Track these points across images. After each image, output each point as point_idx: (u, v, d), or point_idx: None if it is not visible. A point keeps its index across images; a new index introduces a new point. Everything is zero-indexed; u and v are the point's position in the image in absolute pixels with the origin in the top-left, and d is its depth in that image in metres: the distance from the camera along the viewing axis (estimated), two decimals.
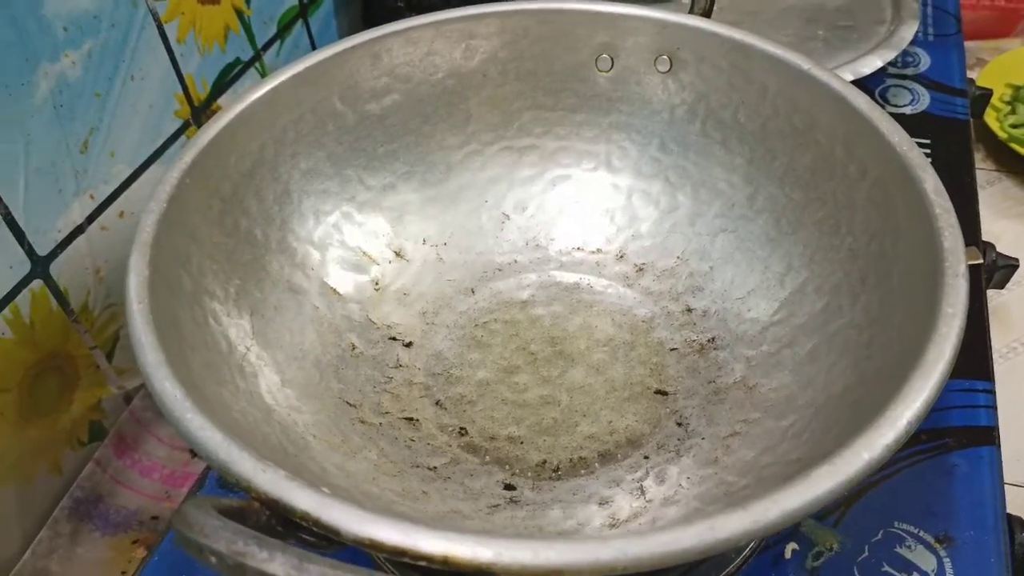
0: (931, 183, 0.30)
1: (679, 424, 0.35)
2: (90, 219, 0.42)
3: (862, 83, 0.51)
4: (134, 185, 0.44)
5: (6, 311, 0.37)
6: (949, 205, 0.29)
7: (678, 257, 0.41)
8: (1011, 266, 0.49)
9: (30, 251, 0.38)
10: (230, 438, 0.23)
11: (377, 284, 0.40)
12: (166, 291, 0.29)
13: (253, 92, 0.36)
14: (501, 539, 0.21)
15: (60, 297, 0.41)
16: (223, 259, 0.34)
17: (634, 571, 0.21)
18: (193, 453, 0.48)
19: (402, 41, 0.41)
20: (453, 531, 0.21)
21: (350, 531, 0.21)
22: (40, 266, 0.39)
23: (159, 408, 0.24)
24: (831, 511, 0.35)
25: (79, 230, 0.41)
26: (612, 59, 0.42)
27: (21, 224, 0.37)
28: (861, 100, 0.34)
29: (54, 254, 0.40)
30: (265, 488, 0.22)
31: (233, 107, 0.35)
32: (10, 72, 0.36)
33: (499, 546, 0.20)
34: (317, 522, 0.21)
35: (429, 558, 0.20)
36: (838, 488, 0.22)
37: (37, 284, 0.39)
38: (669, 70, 0.41)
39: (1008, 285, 0.52)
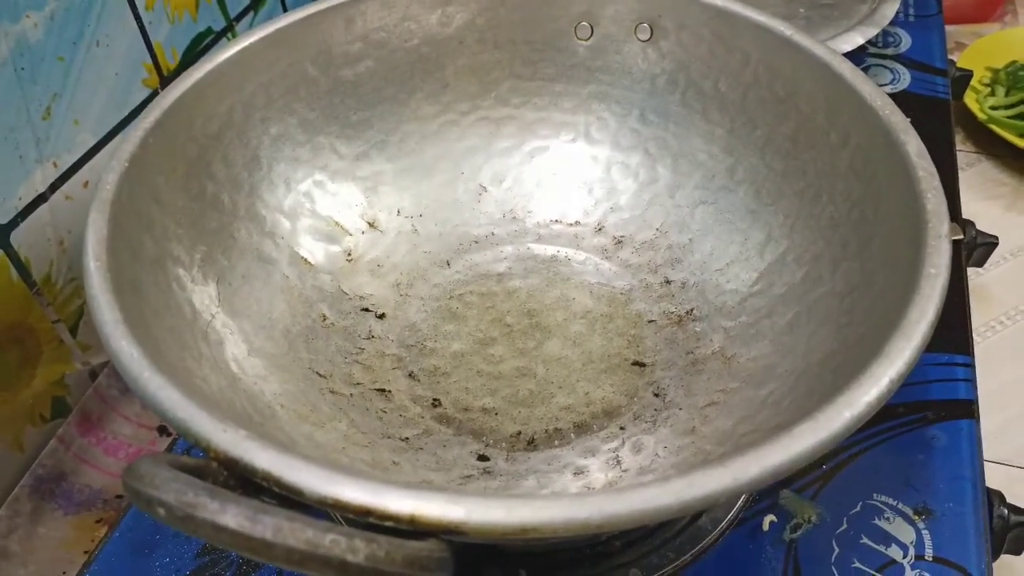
0: (914, 146, 0.29)
1: (656, 395, 0.34)
2: (53, 188, 0.40)
3: None
4: (99, 155, 0.43)
5: None
6: (932, 168, 0.29)
7: (657, 229, 0.40)
8: (990, 244, 0.49)
9: None
10: (188, 396, 0.22)
11: (350, 255, 0.39)
12: (127, 252, 0.28)
13: (222, 52, 0.35)
14: (472, 497, 0.20)
15: (21, 267, 0.39)
16: (188, 224, 0.33)
17: (610, 530, 0.20)
18: (160, 431, 0.47)
19: (377, 5, 0.40)
20: (422, 489, 0.20)
21: (313, 491, 0.20)
22: (0, 234, 0.38)
23: (116, 367, 0.23)
24: (809, 483, 0.35)
25: (41, 198, 0.40)
26: (592, 27, 0.41)
27: None
28: (844, 66, 0.33)
29: (15, 222, 0.38)
30: (224, 447, 0.21)
31: (201, 67, 0.34)
32: None
33: (470, 504, 0.19)
34: (279, 482, 0.20)
35: (396, 518, 0.19)
36: (820, 445, 0.21)
37: None
38: (650, 38, 0.40)
39: (987, 264, 0.51)
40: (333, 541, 0.16)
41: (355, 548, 0.17)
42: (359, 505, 0.19)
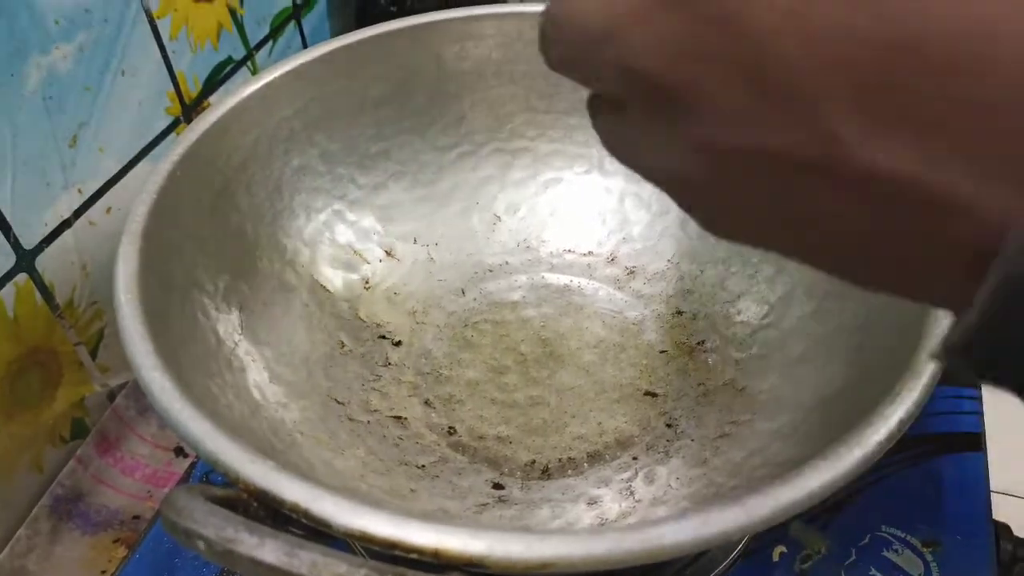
0: None
1: (668, 425, 0.35)
2: (77, 214, 0.41)
3: None
4: (122, 181, 0.44)
5: None
6: None
7: (669, 260, 0.41)
8: None
9: (16, 244, 0.38)
10: (218, 428, 0.23)
11: (367, 283, 0.40)
12: (155, 282, 0.29)
13: (247, 87, 0.36)
14: (493, 531, 0.20)
15: (45, 292, 0.40)
16: (213, 253, 0.34)
17: (627, 565, 0.21)
18: (176, 452, 0.47)
19: (397, 41, 0.41)
20: (445, 524, 0.20)
21: (341, 523, 0.20)
22: (25, 259, 0.38)
23: (148, 398, 0.24)
24: (819, 515, 0.35)
25: (66, 224, 0.41)
26: None
27: (7, 216, 0.37)
28: None
29: (40, 248, 0.39)
30: (254, 479, 0.21)
31: (226, 101, 0.35)
32: (0, 62, 0.35)
33: (491, 538, 0.20)
34: (307, 514, 0.21)
35: (420, 551, 0.20)
36: (831, 484, 0.22)
37: (22, 278, 0.38)
38: None
39: None
40: None
41: None
42: (385, 538, 0.20)
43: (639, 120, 0.17)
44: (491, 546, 0.20)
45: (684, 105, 0.14)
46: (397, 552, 0.20)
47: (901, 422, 0.23)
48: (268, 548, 0.17)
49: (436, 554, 0.20)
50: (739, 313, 0.38)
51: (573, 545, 0.20)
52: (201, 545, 0.17)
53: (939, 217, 0.12)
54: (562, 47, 0.18)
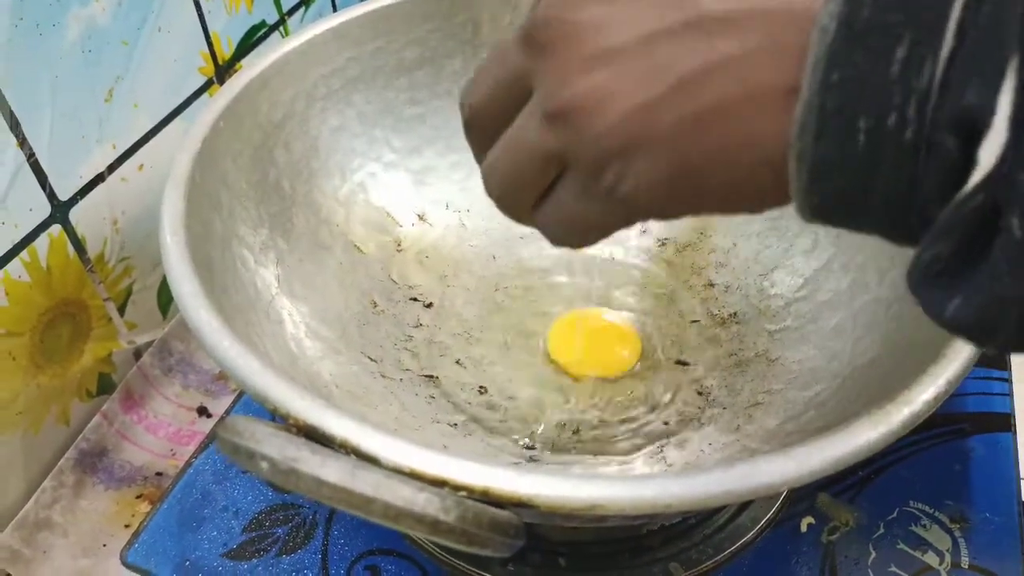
0: None
1: (700, 393, 0.35)
2: (111, 169, 0.41)
3: None
4: (155, 139, 0.44)
5: (24, 254, 0.37)
6: None
7: (701, 232, 0.41)
8: None
9: (51, 195, 0.38)
10: (267, 365, 0.23)
11: (400, 245, 0.40)
12: (199, 229, 0.29)
13: (288, 43, 0.36)
14: (542, 473, 0.20)
15: (78, 244, 0.40)
16: (252, 207, 0.34)
17: (675, 511, 0.21)
18: (200, 412, 0.47)
19: (435, 5, 0.40)
20: (495, 464, 0.20)
21: (390, 459, 0.20)
22: (60, 211, 0.39)
23: (196, 338, 0.24)
24: (847, 488, 0.35)
25: (100, 178, 0.41)
26: None
27: (44, 167, 0.37)
28: None
29: (74, 200, 0.39)
30: (303, 414, 0.21)
31: (267, 56, 0.35)
32: (41, 11, 0.35)
33: (540, 479, 0.20)
34: (356, 450, 0.21)
35: (470, 489, 0.20)
36: (878, 440, 0.22)
37: (56, 229, 0.39)
38: None
39: None
40: (427, 500, 0.17)
41: (447, 508, 0.17)
42: (435, 476, 0.20)
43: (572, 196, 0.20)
44: (540, 486, 0.20)
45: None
46: (446, 490, 0.20)
47: (949, 382, 0.23)
48: (331, 468, 0.17)
49: (485, 493, 0.20)
50: (773, 286, 0.38)
51: (621, 488, 0.20)
52: (264, 465, 0.17)
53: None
54: None
